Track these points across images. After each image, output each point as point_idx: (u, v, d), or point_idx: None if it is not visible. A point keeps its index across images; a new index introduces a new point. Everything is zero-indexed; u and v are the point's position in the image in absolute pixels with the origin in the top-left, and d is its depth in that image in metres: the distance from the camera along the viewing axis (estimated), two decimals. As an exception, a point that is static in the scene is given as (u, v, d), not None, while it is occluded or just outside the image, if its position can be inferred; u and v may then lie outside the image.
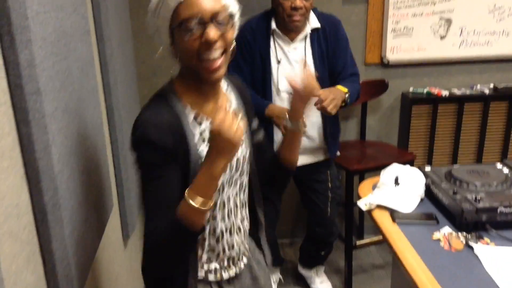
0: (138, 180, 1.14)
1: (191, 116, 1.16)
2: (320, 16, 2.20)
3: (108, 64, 1.77)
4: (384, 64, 2.88)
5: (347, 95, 2.11)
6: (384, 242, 2.88)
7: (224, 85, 1.30)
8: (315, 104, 1.96)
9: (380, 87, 2.87)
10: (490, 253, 1.37)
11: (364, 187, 1.84)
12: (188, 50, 1.09)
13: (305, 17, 2.11)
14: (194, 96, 1.18)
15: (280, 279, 2.75)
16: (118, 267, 1.93)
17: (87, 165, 1.40)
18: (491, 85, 2.94)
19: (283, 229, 3.05)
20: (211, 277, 1.28)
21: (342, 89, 2.12)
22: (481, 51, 2.90)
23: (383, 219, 1.61)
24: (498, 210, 1.47)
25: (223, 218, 1.25)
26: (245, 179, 1.33)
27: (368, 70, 2.90)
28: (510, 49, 2.90)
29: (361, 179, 2.75)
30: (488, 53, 2.90)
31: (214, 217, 1.24)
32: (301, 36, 2.16)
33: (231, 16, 1.14)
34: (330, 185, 2.42)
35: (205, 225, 1.18)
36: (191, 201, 1.04)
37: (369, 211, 1.68)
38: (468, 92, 2.90)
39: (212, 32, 1.07)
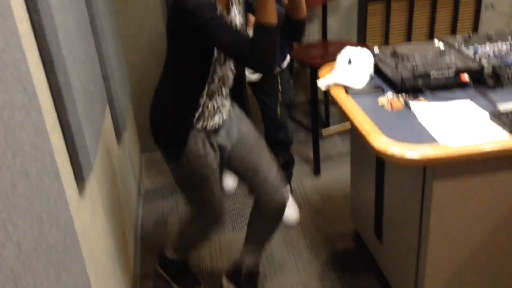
0: (211, 35, 1.53)
1: None
2: None
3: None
4: (341, -35, 3.07)
5: None
6: (347, 133, 3.23)
7: None
8: None
9: (338, -13, 3.08)
10: (423, 108, 1.69)
11: (323, 70, 2.12)
12: None
13: None
14: None
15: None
16: (116, 161, 2.21)
17: (84, 58, 1.63)
18: (440, -20, 3.18)
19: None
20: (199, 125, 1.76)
21: None
22: None
23: (338, 94, 1.90)
24: (432, 75, 1.78)
25: (218, 81, 1.74)
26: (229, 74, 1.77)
27: (326, -28, 3.08)
28: None
29: (324, 75, 3.03)
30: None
31: (212, 82, 1.71)
32: None
33: None
34: (280, 88, 2.54)
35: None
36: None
37: (327, 90, 1.97)
38: (418, -13, 3.14)
39: None
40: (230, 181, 2.99)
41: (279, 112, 2.56)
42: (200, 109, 1.74)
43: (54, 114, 1.30)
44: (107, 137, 2.06)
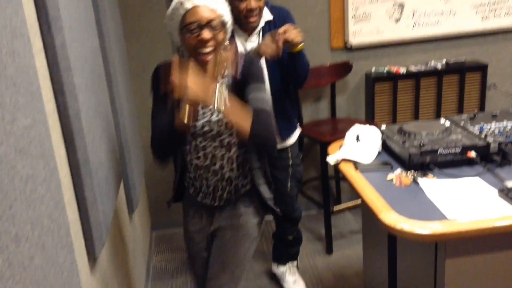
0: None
1: None
2: (271, 9, 2.35)
3: (108, 56, 2.07)
4: (348, 48, 3.23)
5: (301, 44, 2.23)
6: (359, 208, 3.23)
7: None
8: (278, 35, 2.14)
9: (345, 68, 3.22)
10: (432, 184, 1.71)
11: (332, 147, 2.17)
12: (189, 45, 1.57)
13: (260, 15, 2.27)
14: None
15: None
16: (127, 238, 2.22)
17: (102, 135, 1.70)
18: (444, 61, 3.31)
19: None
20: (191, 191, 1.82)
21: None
22: (432, 30, 3.27)
23: (348, 169, 1.94)
24: (439, 152, 1.82)
25: (197, 158, 1.73)
26: (228, 139, 1.71)
27: (334, 54, 3.24)
28: (458, 27, 3.28)
29: (334, 151, 3.09)
30: (438, 32, 3.28)
31: (189, 153, 1.74)
32: (257, 30, 2.32)
33: (223, 23, 1.59)
34: (290, 162, 2.54)
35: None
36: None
37: (337, 165, 2.01)
38: (423, 68, 3.27)
39: (206, 33, 1.53)
40: None
41: (289, 187, 2.57)
42: (191, 178, 1.80)
43: (72, 189, 1.35)
44: (119, 213, 2.09)
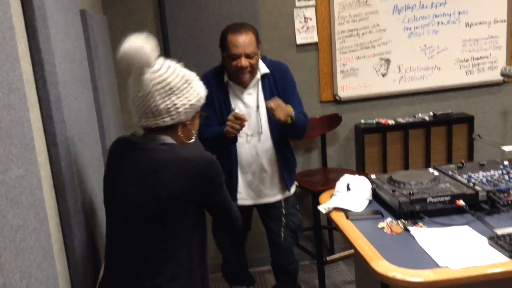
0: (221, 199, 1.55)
1: None
2: (269, 64, 2.41)
3: (102, 110, 2.12)
4: (337, 101, 3.31)
5: (293, 113, 2.30)
6: (353, 258, 3.19)
7: None
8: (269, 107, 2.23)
9: (335, 120, 3.28)
10: (423, 233, 1.72)
11: (323, 196, 2.19)
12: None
13: (253, 73, 2.32)
14: None
15: None
16: None
17: (94, 186, 1.71)
18: (431, 113, 3.40)
19: (264, 256, 3.31)
20: None
21: (289, 107, 2.32)
22: (418, 84, 3.37)
23: (339, 218, 1.95)
24: (428, 200, 1.84)
25: None
26: None
27: (324, 107, 3.32)
28: (443, 81, 3.39)
29: (326, 202, 3.10)
30: (425, 86, 3.38)
31: None
32: (253, 83, 2.37)
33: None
34: (284, 212, 2.52)
35: None
36: None
37: (328, 213, 2.02)
38: (411, 120, 3.35)
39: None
40: None
41: (283, 237, 2.54)
42: None
43: (61, 238, 1.34)
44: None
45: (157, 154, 1.42)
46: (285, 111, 2.25)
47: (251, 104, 2.40)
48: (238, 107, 2.40)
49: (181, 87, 1.45)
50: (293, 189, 2.58)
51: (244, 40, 2.24)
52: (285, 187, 2.51)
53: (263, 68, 2.39)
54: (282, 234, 2.53)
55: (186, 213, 1.43)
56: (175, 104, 1.44)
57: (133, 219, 1.41)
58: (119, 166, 1.48)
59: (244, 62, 2.25)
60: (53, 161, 1.34)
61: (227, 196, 1.57)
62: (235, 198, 2.43)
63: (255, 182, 2.46)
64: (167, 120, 1.45)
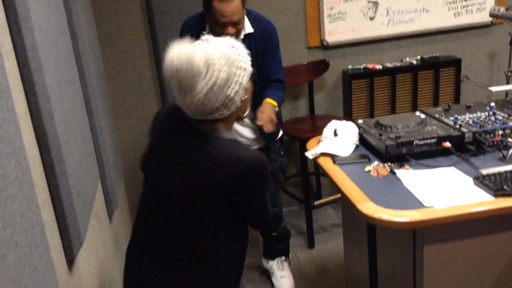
0: (257, 199, 1.52)
1: None
2: (254, 21, 2.33)
3: (82, 58, 2.05)
4: (324, 46, 3.25)
5: (277, 109, 2.36)
6: (340, 202, 3.25)
7: None
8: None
9: (322, 66, 3.24)
10: (409, 175, 1.74)
11: (311, 143, 2.19)
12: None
13: (238, 35, 2.25)
14: None
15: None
16: (107, 238, 2.20)
17: (77, 136, 1.68)
18: (418, 57, 3.36)
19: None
20: None
21: (272, 102, 2.34)
22: (406, 27, 3.32)
23: (326, 163, 1.95)
24: (414, 143, 1.84)
25: None
26: None
27: (311, 53, 3.26)
28: (431, 24, 3.34)
29: (314, 148, 3.11)
30: (412, 29, 3.32)
31: None
32: None
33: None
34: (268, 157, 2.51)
35: None
36: None
37: (315, 159, 2.02)
38: (399, 64, 3.32)
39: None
40: None
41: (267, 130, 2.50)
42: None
43: (47, 189, 1.33)
44: (98, 214, 2.07)
45: (215, 149, 1.40)
46: (272, 119, 2.27)
47: None
48: None
49: (229, 75, 1.38)
50: (279, 134, 2.61)
51: (231, 10, 2.15)
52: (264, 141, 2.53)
53: (247, 28, 2.33)
54: None
55: (225, 212, 1.47)
56: (228, 96, 1.39)
57: (170, 205, 1.45)
58: (169, 143, 1.49)
59: (230, 30, 2.19)
60: (33, 111, 1.31)
61: (266, 196, 1.57)
62: None
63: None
64: (225, 113, 1.43)
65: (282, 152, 2.62)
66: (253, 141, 2.54)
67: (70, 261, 1.43)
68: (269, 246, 2.79)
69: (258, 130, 2.42)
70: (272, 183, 2.59)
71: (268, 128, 2.25)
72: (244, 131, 2.51)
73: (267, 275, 2.83)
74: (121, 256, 2.56)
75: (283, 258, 2.80)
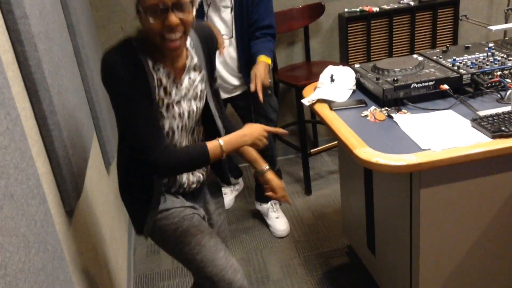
0: (119, 115, 1.37)
1: (150, 63, 1.38)
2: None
3: (69, 6, 1.97)
4: (319, -12, 3.15)
5: (271, 64, 2.36)
6: (336, 149, 3.25)
7: (187, 41, 1.48)
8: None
9: (318, 10, 3.15)
10: (406, 119, 1.72)
11: (307, 90, 2.15)
12: (152, 30, 1.29)
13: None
14: (153, 50, 1.38)
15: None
16: (105, 190, 2.21)
17: (69, 87, 1.65)
18: (416, -2, 3.27)
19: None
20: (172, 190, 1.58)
21: (265, 61, 2.33)
22: (404, -33, 3.20)
23: (322, 109, 1.93)
24: (412, 86, 1.82)
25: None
26: (197, 127, 1.58)
27: (306, -4, 3.16)
28: (430, -37, 3.22)
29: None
30: (410, -31, 3.21)
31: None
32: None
33: (191, 2, 1.31)
34: (251, 100, 2.50)
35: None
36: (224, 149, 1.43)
37: (311, 106, 2.00)
38: (396, 6, 3.23)
39: (173, 18, 1.27)
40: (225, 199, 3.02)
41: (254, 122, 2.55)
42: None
43: (40, 141, 1.31)
44: (95, 166, 2.06)
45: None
46: (265, 75, 2.31)
47: (223, 6, 2.40)
48: (210, 6, 2.40)
49: None
50: None
51: None
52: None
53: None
54: (253, 121, 2.56)
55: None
56: None
57: None
58: None
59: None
60: (21, 61, 1.26)
61: (130, 117, 1.35)
62: None
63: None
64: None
65: (269, 92, 2.61)
66: (238, 87, 2.57)
67: (69, 212, 1.43)
68: (260, 188, 2.80)
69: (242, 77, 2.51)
70: (264, 122, 2.54)
71: (265, 82, 2.30)
72: (229, 78, 2.54)
73: (260, 219, 2.88)
74: (120, 207, 2.58)
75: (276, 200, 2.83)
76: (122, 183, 1.58)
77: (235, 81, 2.55)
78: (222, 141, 1.44)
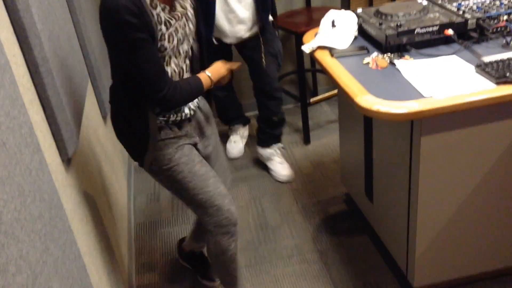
0: (125, 59, 1.42)
1: (148, 0, 1.39)
2: None
3: None
4: None
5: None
6: (336, 98, 3.22)
7: None
8: None
9: (318, -48, 3.02)
10: (409, 65, 1.68)
11: (307, 36, 2.09)
12: None
13: None
14: None
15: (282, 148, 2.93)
16: (103, 139, 2.19)
17: (60, 34, 1.59)
18: None
19: (251, 102, 3.27)
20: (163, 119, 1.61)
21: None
22: None
23: (323, 56, 1.88)
24: (416, 31, 1.76)
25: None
26: (188, 49, 1.61)
27: None
28: None
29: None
30: None
31: None
32: None
33: None
34: (261, 40, 2.47)
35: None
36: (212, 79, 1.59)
37: (312, 53, 1.94)
38: None
39: None
40: (235, 150, 3.02)
41: (264, 63, 2.51)
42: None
43: (33, 88, 1.27)
44: (92, 115, 2.03)
45: None
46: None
47: None
48: None
49: None
50: (270, 17, 2.51)
51: None
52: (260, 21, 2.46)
53: None
54: (264, 61, 2.51)
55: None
56: None
57: None
58: None
59: None
60: (8, 4, 1.20)
61: (133, 51, 1.39)
62: (211, 33, 2.39)
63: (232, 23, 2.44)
64: None
65: (277, 34, 2.56)
66: (250, 22, 2.46)
67: (67, 161, 1.42)
68: (267, 133, 2.79)
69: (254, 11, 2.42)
70: (273, 63, 2.56)
71: None
72: (242, 12, 2.42)
73: (259, 168, 2.88)
74: (119, 156, 2.58)
75: (280, 145, 2.85)
76: (118, 120, 1.62)
77: (247, 15, 2.42)
78: (209, 73, 1.59)
